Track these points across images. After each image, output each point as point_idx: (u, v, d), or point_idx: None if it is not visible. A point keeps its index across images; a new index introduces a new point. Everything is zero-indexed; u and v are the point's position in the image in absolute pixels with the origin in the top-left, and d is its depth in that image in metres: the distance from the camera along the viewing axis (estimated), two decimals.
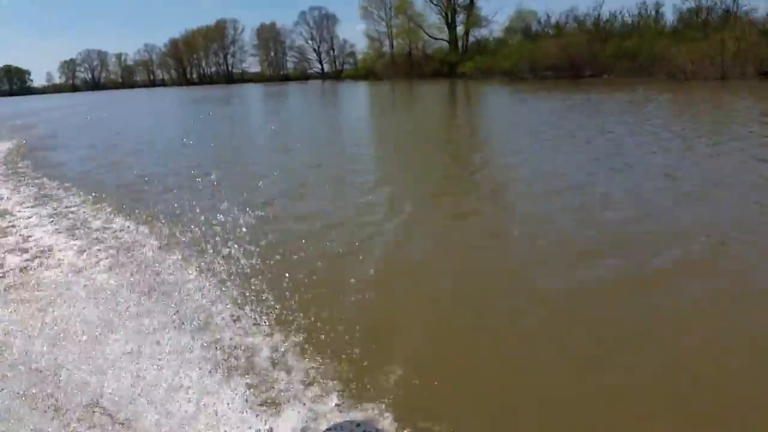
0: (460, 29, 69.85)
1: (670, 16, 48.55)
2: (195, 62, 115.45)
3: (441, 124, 21.51)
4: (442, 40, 70.92)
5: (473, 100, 32.62)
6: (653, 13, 48.75)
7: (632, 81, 33.73)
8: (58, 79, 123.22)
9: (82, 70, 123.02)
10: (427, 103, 33.07)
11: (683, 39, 34.87)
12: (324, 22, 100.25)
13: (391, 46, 78.10)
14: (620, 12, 49.79)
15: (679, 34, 38.68)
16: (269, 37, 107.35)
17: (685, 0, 44.74)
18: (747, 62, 28.93)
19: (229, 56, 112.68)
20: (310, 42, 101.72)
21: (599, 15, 50.59)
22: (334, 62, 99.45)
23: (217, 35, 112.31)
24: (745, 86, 26.00)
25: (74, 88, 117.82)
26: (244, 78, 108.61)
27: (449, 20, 70.34)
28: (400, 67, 72.00)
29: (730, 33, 29.94)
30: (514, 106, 25.52)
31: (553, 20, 54.86)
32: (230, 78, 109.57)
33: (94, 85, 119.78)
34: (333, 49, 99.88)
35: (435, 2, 71.00)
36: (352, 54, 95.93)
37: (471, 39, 69.25)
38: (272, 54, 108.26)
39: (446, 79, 56.57)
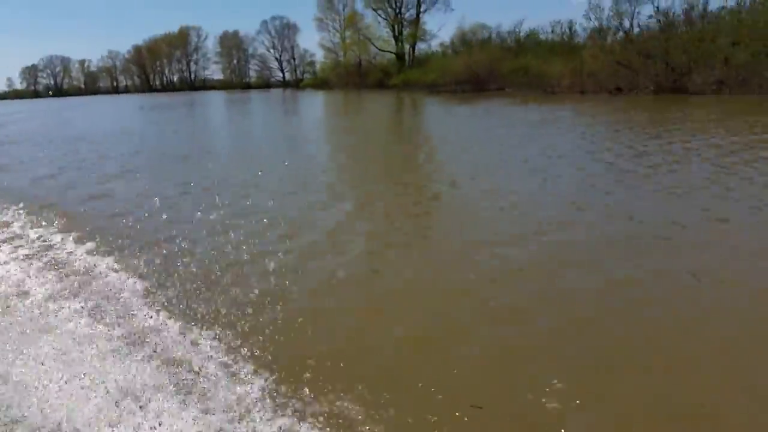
0: (406, 43, 77.07)
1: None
2: (158, 69, 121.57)
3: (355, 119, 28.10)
4: (390, 52, 77.85)
5: (387, 106, 39.35)
6: (567, 30, 55.70)
7: (519, 93, 40.54)
8: (19, 85, 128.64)
9: (44, 75, 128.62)
10: (361, 108, 40.31)
11: (567, 56, 41.62)
12: (285, 32, 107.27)
13: (345, 56, 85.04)
14: (539, 29, 56.73)
15: (570, 51, 45.39)
16: (232, 45, 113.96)
17: (589, 20, 51.44)
18: (601, 79, 35.71)
19: (192, 63, 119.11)
20: (271, 51, 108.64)
21: (519, 32, 57.69)
22: (295, 71, 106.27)
23: (181, 42, 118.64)
24: (581, 98, 32.71)
25: (36, 94, 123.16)
26: (207, 85, 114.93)
27: (396, 33, 77.38)
28: (351, 77, 78.81)
29: (587, 54, 36.80)
30: (412, 109, 32.19)
31: (480, 36, 61.55)
32: (193, 85, 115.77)
33: (57, 91, 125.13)
34: (294, 58, 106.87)
35: (383, 16, 78.22)
36: (312, 63, 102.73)
37: (417, 52, 76.55)
38: (235, 62, 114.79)
39: (386, 90, 63.38)
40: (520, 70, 42.66)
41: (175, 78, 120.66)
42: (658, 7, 36.37)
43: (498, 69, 45.64)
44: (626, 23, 50.01)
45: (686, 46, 32.23)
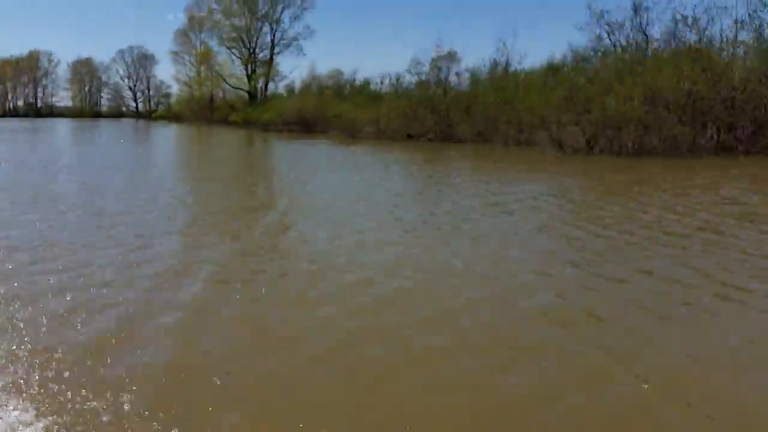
0: (259, 82, 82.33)
1: None
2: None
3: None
4: (242, 90, 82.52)
5: (225, 141, 43.63)
6: (395, 81, 63.27)
7: (336, 136, 46.57)
8: None
9: None
10: (200, 141, 43.77)
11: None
12: (142, 62, 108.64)
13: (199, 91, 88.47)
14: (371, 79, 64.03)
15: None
16: (84, 71, 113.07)
17: (413, 74, 59.08)
18: (395, 127, 42.39)
19: (39, 89, 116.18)
20: (126, 80, 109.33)
21: (354, 80, 64.84)
22: (149, 102, 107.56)
23: (29, 67, 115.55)
24: (374, 142, 39.07)
25: None
26: (54, 112, 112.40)
27: (249, 72, 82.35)
28: (203, 111, 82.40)
29: (382, 105, 43.62)
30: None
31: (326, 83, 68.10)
32: (39, 112, 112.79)
33: None
34: (149, 89, 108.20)
35: (237, 55, 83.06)
36: (168, 95, 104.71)
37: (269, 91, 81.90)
38: (87, 89, 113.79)
39: (230, 126, 67.83)
40: (337, 116, 48.78)
41: (20, 103, 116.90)
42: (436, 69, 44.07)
43: (323, 113, 51.65)
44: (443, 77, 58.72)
45: (456, 102, 39.81)
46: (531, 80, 37.06)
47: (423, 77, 50.62)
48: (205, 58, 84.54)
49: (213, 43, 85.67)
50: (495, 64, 44.42)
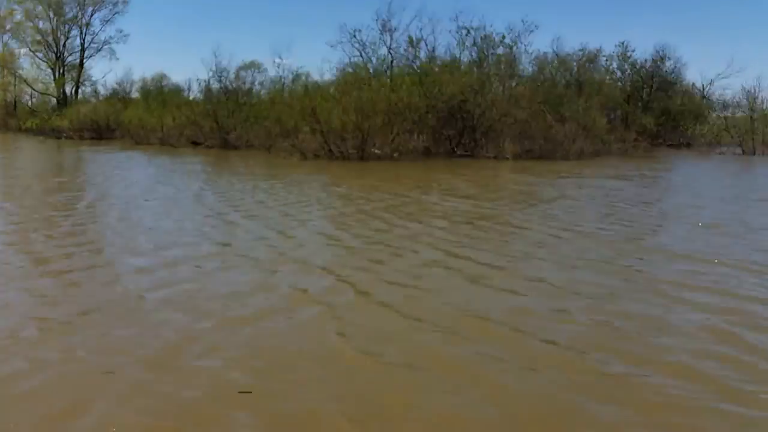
0: (68, 87, 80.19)
1: None
2: None
3: None
4: (50, 95, 79.80)
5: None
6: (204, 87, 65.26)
7: (126, 142, 48.00)
8: None
9: None
10: None
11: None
12: None
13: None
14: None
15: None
16: None
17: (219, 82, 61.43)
18: (182, 133, 44.77)
19: None
20: None
21: (162, 85, 65.98)
22: None
23: None
24: (167, 150, 41.27)
25: None
26: None
27: (56, 77, 79.87)
28: (7, 118, 78.61)
29: (170, 111, 45.96)
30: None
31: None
32: None
33: None
34: None
35: (43, 59, 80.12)
36: None
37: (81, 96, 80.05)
38: None
39: (27, 133, 65.92)
40: (129, 122, 50.20)
41: None
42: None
43: (116, 119, 52.71)
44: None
45: (229, 112, 43.27)
46: (293, 93, 41.44)
47: (230, 85, 53.46)
48: (7, 61, 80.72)
49: (16, 45, 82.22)
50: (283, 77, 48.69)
